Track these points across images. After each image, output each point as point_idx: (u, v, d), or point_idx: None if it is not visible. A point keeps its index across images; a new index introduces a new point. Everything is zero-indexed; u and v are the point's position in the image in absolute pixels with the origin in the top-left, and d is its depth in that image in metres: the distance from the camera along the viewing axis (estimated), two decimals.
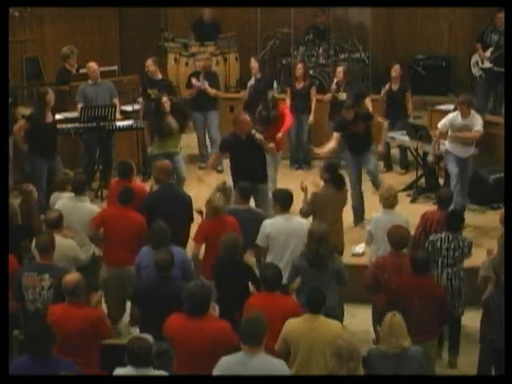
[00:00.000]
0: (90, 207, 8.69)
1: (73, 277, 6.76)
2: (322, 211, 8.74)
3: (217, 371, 6.08)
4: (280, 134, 10.86)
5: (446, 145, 10.47)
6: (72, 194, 8.70)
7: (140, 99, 12.10)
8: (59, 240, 7.68)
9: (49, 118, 10.60)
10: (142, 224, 8.30)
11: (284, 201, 8.22)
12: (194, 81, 12.31)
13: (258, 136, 9.58)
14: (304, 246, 7.78)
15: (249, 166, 9.47)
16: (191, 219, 8.70)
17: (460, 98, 10.39)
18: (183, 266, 7.66)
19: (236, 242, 7.50)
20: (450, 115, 10.42)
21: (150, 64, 11.98)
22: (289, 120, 11.19)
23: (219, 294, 7.43)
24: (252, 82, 12.22)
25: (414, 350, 6.45)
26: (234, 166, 9.70)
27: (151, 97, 11.55)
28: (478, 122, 10.29)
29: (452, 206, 8.98)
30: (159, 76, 12.07)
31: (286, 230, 8.01)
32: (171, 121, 10.72)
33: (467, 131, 10.25)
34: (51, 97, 10.55)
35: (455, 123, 10.27)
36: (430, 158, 10.83)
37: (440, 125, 10.46)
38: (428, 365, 6.89)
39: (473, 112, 10.28)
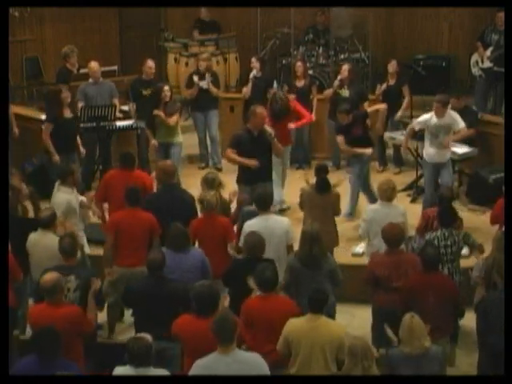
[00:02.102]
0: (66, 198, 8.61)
1: (51, 276, 6.72)
2: (308, 210, 8.84)
3: (192, 373, 6.07)
4: (292, 125, 10.96)
5: (424, 153, 10.37)
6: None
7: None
8: (52, 238, 7.71)
9: (67, 114, 10.64)
10: (153, 223, 8.25)
11: (262, 201, 8.20)
12: (195, 78, 12.28)
13: (269, 131, 9.54)
14: (281, 244, 7.87)
15: (258, 162, 9.46)
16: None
17: (436, 97, 10.26)
18: (202, 266, 7.67)
19: (259, 241, 7.48)
20: (425, 115, 10.31)
21: (153, 66, 12.02)
22: (307, 115, 11.21)
23: (236, 293, 7.37)
24: (254, 73, 12.22)
25: (435, 350, 6.50)
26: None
27: (147, 97, 11.55)
28: (458, 120, 10.25)
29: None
30: (152, 76, 12.09)
31: (264, 230, 7.92)
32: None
33: (443, 131, 10.14)
34: (66, 95, 10.60)
35: (430, 123, 10.15)
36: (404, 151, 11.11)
37: (414, 123, 10.39)
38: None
39: (449, 111, 10.21)
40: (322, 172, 9.07)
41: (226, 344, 6.02)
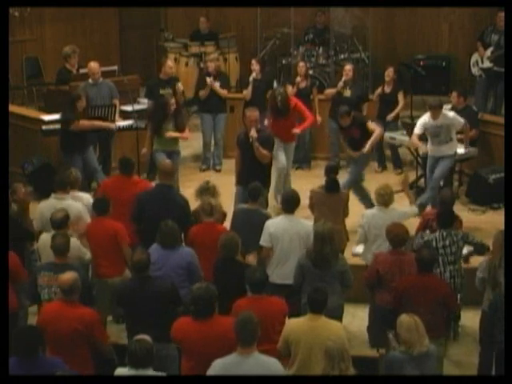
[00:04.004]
0: (74, 205, 8.57)
1: (69, 276, 6.74)
2: (318, 210, 8.83)
3: (211, 373, 6.06)
4: (297, 130, 10.88)
5: (428, 147, 10.45)
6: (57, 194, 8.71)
7: (141, 99, 12.12)
8: None
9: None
10: (117, 232, 8.19)
11: (288, 203, 8.18)
12: (209, 80, 12.23)
13: (253, 134, 9.52)
14: (306, 246, 7.80)
15: (252, 164, 9.47)
16: (188, 222, 8.41)
17: (428, 104, 10.37)
18: (189, 267, 7.63)
19: (233, 241, 7.48)
20: (422, 119, 10.38)
21: (173, 65, 12.15)
22: (310, 117, 11.11)
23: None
24: (254, 75, 12.19)
25: (432, 348, 6.50)
26: (241, 162, 9.74)
27: (164, 97, 11.45)
28: (457, 119, 10.30)
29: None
30: (171, 75, 12.13)
31: (290, 230, 7.98)
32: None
33: (443, 131, 10.20)
34: (82, 104, 10.59)
35: (428, 126, 10.25)
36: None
37: (415, 129, 10.41)
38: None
39: (443, 112, 10.26)
40: (331, 172, 9.12)
41: (247, 346, 6.02)
